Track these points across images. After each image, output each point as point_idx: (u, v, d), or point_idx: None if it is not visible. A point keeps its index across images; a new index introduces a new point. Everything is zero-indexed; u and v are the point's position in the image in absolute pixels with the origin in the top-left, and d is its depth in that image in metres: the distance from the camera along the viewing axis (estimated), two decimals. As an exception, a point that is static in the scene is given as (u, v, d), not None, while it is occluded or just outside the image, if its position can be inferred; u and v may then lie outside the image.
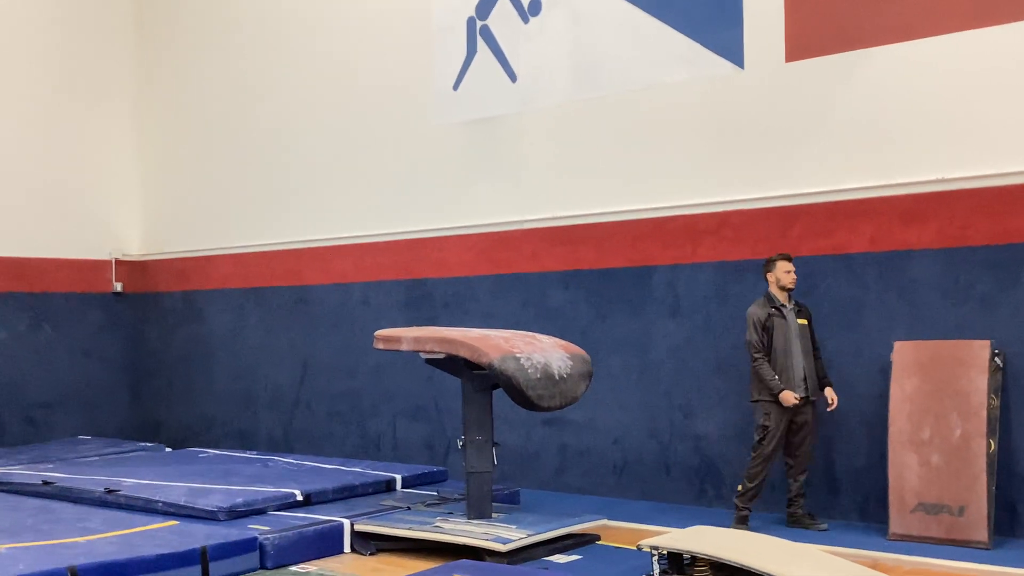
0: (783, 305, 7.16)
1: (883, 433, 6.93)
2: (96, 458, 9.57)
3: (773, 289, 7.21)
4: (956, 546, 6.42)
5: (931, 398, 6.76)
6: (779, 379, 7.03)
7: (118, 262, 12.15)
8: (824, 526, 7.04)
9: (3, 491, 7.98)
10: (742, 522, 7.06)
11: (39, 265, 11.44)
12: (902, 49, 7.17)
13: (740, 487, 7.15)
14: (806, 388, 7.07)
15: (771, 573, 5.16)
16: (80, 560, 5.33)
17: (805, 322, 7.18)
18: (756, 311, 7.18)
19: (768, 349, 7.09)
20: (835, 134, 7.48)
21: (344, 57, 10.41)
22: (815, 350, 7.20)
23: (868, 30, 7.31)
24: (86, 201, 11.90)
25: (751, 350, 7.14)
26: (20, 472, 8.42)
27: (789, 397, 6.99)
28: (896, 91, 7.21)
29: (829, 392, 7.13)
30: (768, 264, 7.26)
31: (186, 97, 11.98)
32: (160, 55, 12.26)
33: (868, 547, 6.43)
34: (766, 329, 7.10)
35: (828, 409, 7.13)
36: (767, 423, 7.05)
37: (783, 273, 7.16)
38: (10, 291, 11.19)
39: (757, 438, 7.11)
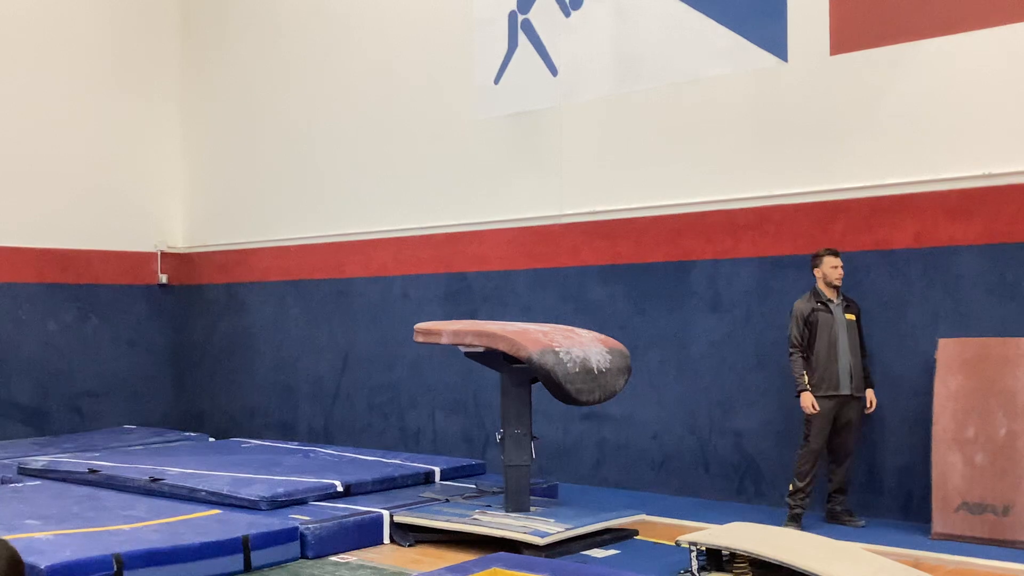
0: (829, 300, 7.06)
1: (927, 431, 6.85)
2: (141, 447, 9.73)
3: (820, 284, 7.12)
4: (1000, 546, 6.34)
5: (976, 396, 6.67)
6: (823, 376, 6.95)
7: (163, 254, 12.33)
8: (861, 523, 6.97)
9: (50, 479, 8.13)
10: (795, 520, 6.95)
11: (86, 257, 11.64)
12: (949, 42, 7.07)
13: (791, 486, 7.05)
14: (851, 385, 6.98)
15: (811, 571, 5.13)
16: (125, 547, 5.42)
17: (853, 318, 7.08)
18: (800, 306, 7.11)
19: (810, 345, 7.02)
20: (880, 128, 7.39)
21: (386, 51, 10.46)
22: (862, 347, 7.11)
23: (914, 23, 7.21)
24: (132, 195, 12.08)
25: (789, 345, 7.10)
26: (67, 460, 8.56)
27: (807, 402, 6.92)
28: (942, 85, 7.11)
29: (869, 394, 7.06)
30: (815, 259, 7.17)
31: (230, 92, 12.11)
32: (205, 51, 12.41)
33: (910, 546, 6.36)
34: (808, 324, 7.03)
35: (866, 412, 7.06)
36: (810, 417, 6.96)
37: (830, 268, 7.07)
38: (58, 282, 11.40)
39: (804, 434, 7.04)
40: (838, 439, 7.04)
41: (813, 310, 7.04)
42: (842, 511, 7.08)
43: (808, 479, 6.99)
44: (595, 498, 7.93)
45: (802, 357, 7.04)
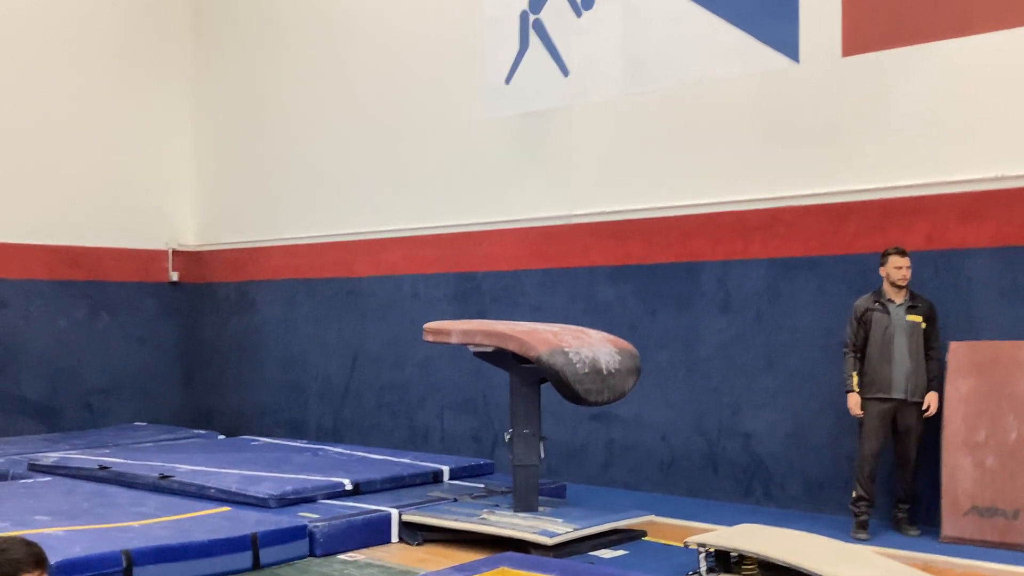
0: (890, 301, 6.87)
1: (937, 434, 6.82)
2: (151, 444, 9.76)
3: (885, 284, 6.93)
4: (1010, 550, 6.31)
5: (987, 400, 6.64)
6: (873, 378, 6.83)
7: (174, 252, 12.36)
8: (915, 532, 6.81)
9: (61, 475, 8.16)
10: (861, 528, 6.79)
11: (98, 254, 11.68)
12: (961, 44, 7.03)
13: (853, 492, 6.93)
14: (907, 389, 6.78)
15: (820, 573, 5.11)
16: (134, 544, 5.44)
17: (918, 319, 6.82)
18: (857, 304, 6.99)
19: (863, 344, 6.90)
20: (891, 130, 7.36)
21: (397, 51, 10.47)
22: (929, 351, 6.85)
23: (927, 25, 7.18)
24: (144, 192, 12.12)
25: (843, 344, 7.02)
26: (77, 457, 8.60)
27: (851, 403, 6.87)
28: (955, 87, 7.08)
29: (929, 396, 6.79)
30: (882, 258, 6.97)
31: (241, 90, 12.14)
32: (217, 49, 12.44)
33: (920, 549, 6.34)
34: (863, 324, 6.89)
35: (924, 415, 6.82)
36: (862, 419, 6.88)
37: (893, 268, 6.86)
38: (70, 279, 11.44)
39: (859, 438, 6.98)
40: (899, 446, 6.89)
41: (868, 309, 6.89)
42: (901, 519, 6.90)
43: (866, 485, 6.84)
44: (603, 499, 7.92)
45: (854, 357, 6.92)
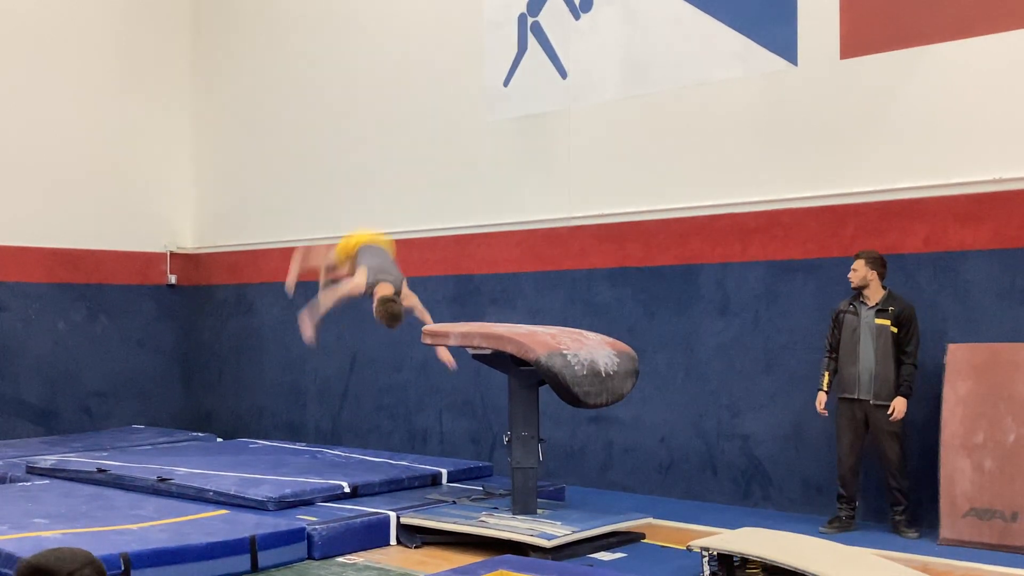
0: (863, 303, 6.96)
1: (935, 437, 6.82)
2: (149, 447, 9.76)
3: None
4: (1008, 552, 6.31)
5: (985, 402, 6.64)
6: (841, 378, 6.99)
7: (172, 255, 12.36)
8: (914, 535, 6.78)
9: (59, 478, 8.15)
10: (831, 523, 6.94)
11: (96, 257, 11.68)
12: (960, 47, 7.05)
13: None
14: (872, 391, 6.86)
15: (819, 576, 5.12)
16: (132, 547, 5.43)
17: (887, 323, 6.85)
18: (837, 305, 7.13)
19: (837, 345, 7.04)
20: (890, 133, 7.37)
21: (395, 54, 10.47)
22: (901, 355, 6.85)
23: (925, 27, 7.19)
24: (142, 195, 12.11)
25: None
26: (75, 459, 8.59)
27: (817, 401, 7.05)
28: (953, 89, 7.09)
29: (895, 401, 6.80)
30: None
31: (240, 94, 12.14)
32: (216, 51, 12.44)
33: (918, 552, 6.34)
34: (836, 324, 7.05)
35: (890, 419, 6.82)
36: (838, 420, 7.01)
37: None
38: (68, 282, 11.43)
39: None
40: (877, 449, 6.94)
41: (842, 311, 7.05)
42: (899, 521, 6.88)
43: (843, 484, 6.96)
44: (602, 501, 7.92)
45: (829, 357, 7.08)
